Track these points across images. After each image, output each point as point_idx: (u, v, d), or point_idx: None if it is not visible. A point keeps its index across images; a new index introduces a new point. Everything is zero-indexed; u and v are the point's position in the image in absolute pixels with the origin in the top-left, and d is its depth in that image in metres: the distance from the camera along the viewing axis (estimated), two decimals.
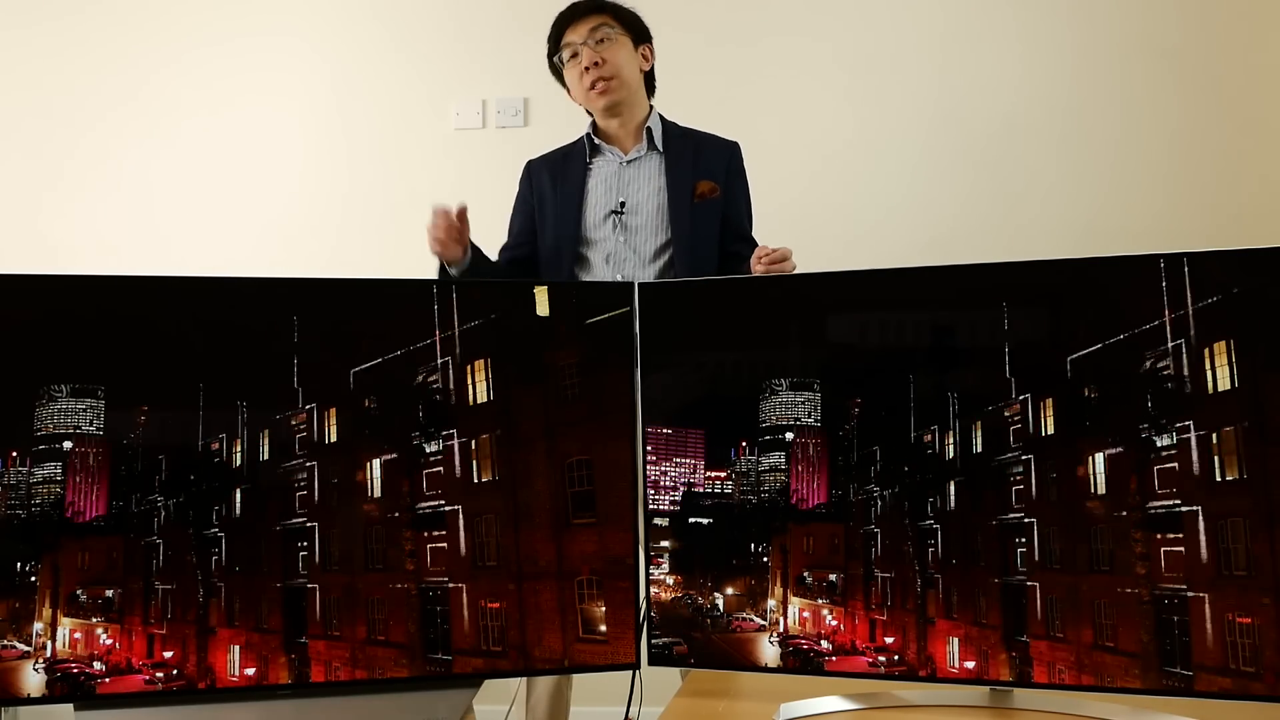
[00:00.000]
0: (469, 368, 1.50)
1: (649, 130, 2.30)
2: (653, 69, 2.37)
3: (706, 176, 2.26)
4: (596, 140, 2.32)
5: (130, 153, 3.25)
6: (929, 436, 1.43)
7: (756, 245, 2.28)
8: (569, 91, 2.34)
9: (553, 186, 2.32)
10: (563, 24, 2.28)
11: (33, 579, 1.38)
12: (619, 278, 2.22)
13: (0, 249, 3.22)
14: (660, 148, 2.30)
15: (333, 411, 1.46)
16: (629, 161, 2.30)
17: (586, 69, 2.23)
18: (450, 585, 1.47)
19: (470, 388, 1.50)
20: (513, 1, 3.10)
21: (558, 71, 2.32)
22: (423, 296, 1.52)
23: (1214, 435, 1.31)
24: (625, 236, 2.25)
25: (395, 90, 3.18)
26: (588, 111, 2.35)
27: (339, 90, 3.20)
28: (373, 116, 3.19)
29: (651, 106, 2.35)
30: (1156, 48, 2.91)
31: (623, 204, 2.26)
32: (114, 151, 3.26)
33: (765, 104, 3.03)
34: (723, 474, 1.51)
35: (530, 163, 2.40)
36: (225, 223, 3.21)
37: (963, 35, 2.99)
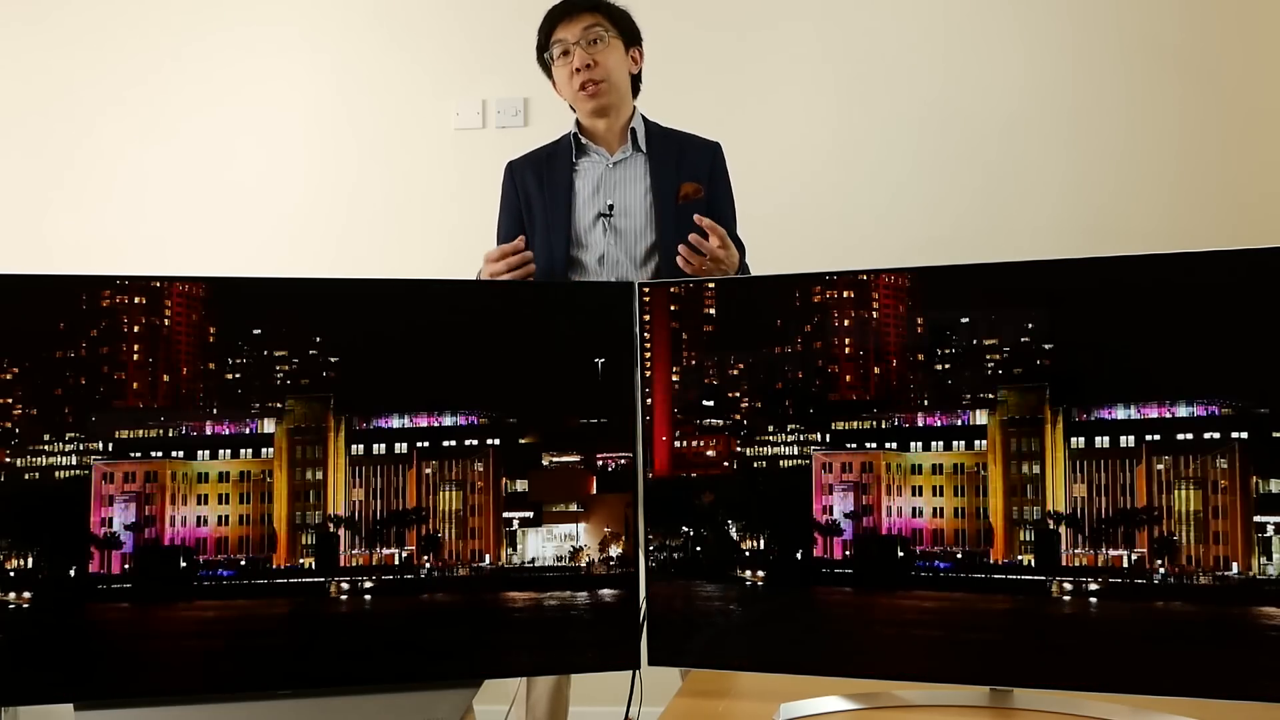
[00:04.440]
0: (469, 368, 1.50)
1: (633, 131, 2.30)
2: (640, 71, 2.36)
3: (690, 178, 2.26)
4: (583, 141, 2.32)
5: (128, 151, 3.26)
6: (929, 435, 1.44)
7: (741, 243, 2.29)
8: (555, 87, 2.33)
9: (539, 188, 2.30)
10: (555, 19, 2.26)
11: (38, 577, 1.38)
12: (613, 279, 2.22)
13: (0, 248, 3.23)
14: (643, 149, 2.30)
15: (332, 411, 1.46)
16: (615, 163, 2.30)
17: (578, 69, 2.22)
18: (450, 585, 1.47)
19: (470, 387, 1.50)
20: (513, 1, 3.10)
21: (546, 67, 2.32)
22: (422, 297, 1.53)
23: (1213, 435, 1.32)
24: (616, 239, 2.24)
25: (396, 90, 3.18)
26: (572, 108, 2.35)
27: (340, 90, 3.21)
28: (373, 116, 3.19)
29: (635, 107, 2.35)
30: (1157, 47, 2.91)
31: (611, 207, 2.26)
32: (112, 150, 3.26)
33: (764, 103, 3.03)
34: (723, 474, 1.51)
35: (512, 163, 2.38)
36: (225, 222, 3.21)
37: (963, 35, 2.99)
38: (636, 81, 2.36)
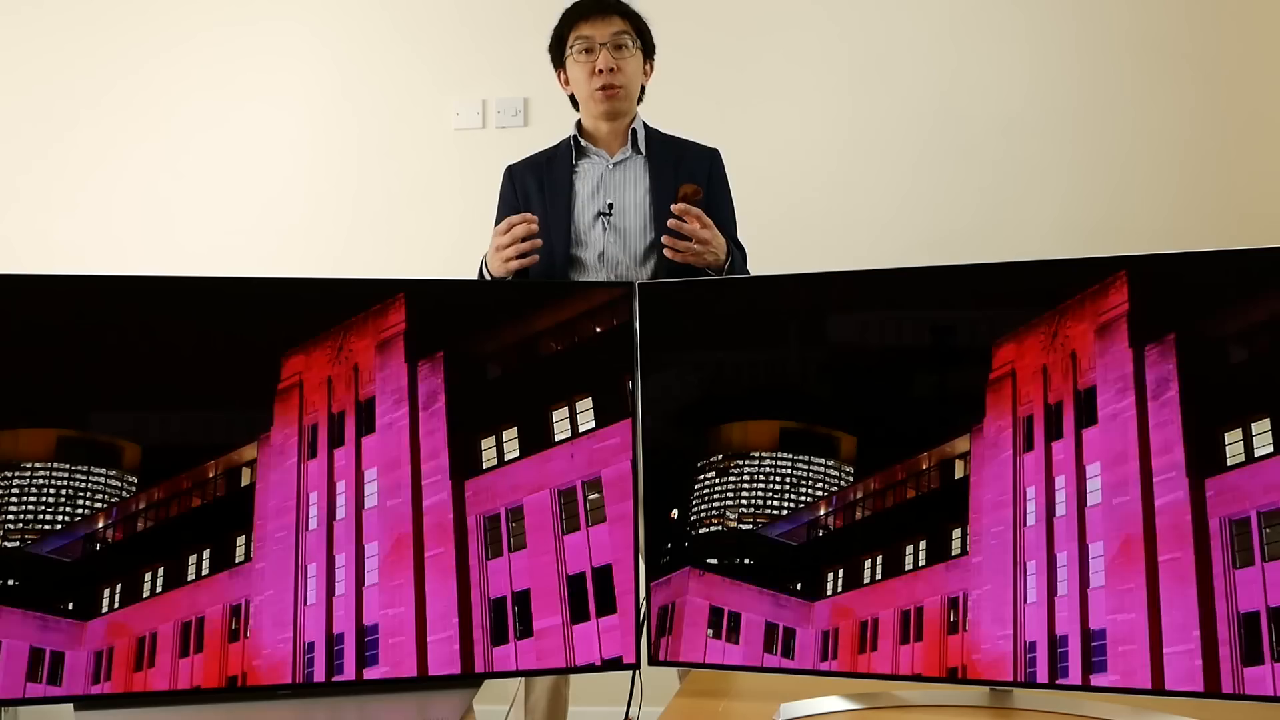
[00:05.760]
0: (468, 368, 1.50)
1: (633, 132, 2.31)
2: (646, 84, 2.37)
3: (689, 180, 2.26)
4: (583, 144, 2.32)
5: (125, 150, 3.25)
6: (929, 435, 1.44)
7: (742, 247, 2.29)
8: (562, 79, 2.33)
9: (539, 190, 2.31)
10: (582, 13, 2.27)
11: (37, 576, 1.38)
12: (613, 277, 2.23)
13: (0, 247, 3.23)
14: (642, 150, 2.31)
15: (331, 410, 1.46)
16: (615, 164, 2.30)
17: (600, 71, 2.23)
18: (449, 584, 1.47)
19: (470, 388, 1.50)
20: (513, 1, 3.10)
21: (559, 59, 2.32)
22: (422, 296, 1.53)
23: (1216, 435, 1.32)
24: (615, 237, 2.25)
25: (396, 89, 3.18)
26: (574, 106, 2.35)
27: (339, 90, 3.20)
28: (373, 116, 3.19)
29: (636, 112, 2.36)
30: (1161, 46, 2.91)
31: (610, 206, 2.27)
32: (109, 149, 3.26)
33: (765, 103, 3.03)
34: (722, 473, 1.51)
35: (511, 166, 2.38)
36: (224, 222, 3.21)
37: (965, 35, 2.99)
38: (641, 93, 2.37)
